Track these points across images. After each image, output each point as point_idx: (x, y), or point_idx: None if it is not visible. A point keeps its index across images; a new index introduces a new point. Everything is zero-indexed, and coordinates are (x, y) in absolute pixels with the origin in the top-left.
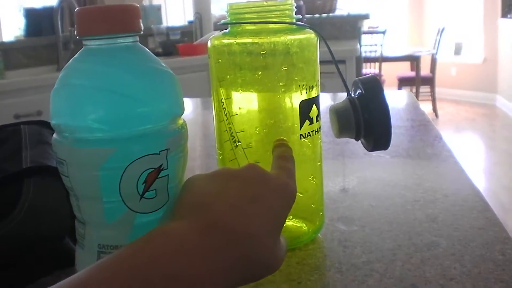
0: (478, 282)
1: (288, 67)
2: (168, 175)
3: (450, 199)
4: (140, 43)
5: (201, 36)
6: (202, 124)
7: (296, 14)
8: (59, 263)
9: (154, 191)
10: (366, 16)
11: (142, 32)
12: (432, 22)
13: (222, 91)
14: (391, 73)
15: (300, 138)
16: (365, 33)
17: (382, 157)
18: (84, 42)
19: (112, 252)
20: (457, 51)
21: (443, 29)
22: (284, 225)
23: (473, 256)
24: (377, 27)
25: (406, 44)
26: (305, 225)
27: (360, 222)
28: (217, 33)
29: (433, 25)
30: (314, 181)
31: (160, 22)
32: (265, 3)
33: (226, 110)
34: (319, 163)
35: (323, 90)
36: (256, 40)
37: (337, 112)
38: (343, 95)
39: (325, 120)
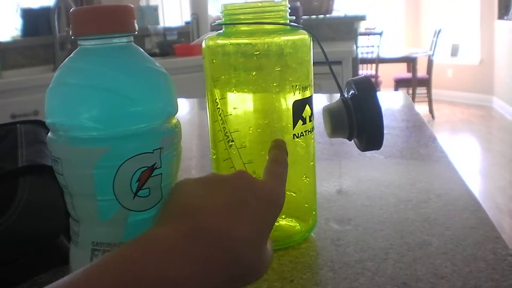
0: (468, 280)
1: (281, 68)
2: (161, 173)
3: (442, 199)
4: (137, 43)
5: (198, 36)
6: (198, 124)
7: (292, 15)
8: (55, 260)
9: (148, 189)
10: (362, 18)
11: (136, 32)
12: (428, 23)
13: (216, 91)
14: (387, 74)
15: (293, 138)
16: (361, 34)
17: (376, 158)
18: (79, 42)
19: (106, 250)
20: (454, 52)
21: (439, 31)
22: (277, 223)
23: (464, 255)
24: (374, 29)
25: (403, 46)
26: (298, 224)
27: (353, 222)
28: (213, 34)
29: (430, 26)
30: (307, 180)
31: (157, 22)
32: (259, 4)
33: (220, 110)
34: (312, 163)
35: (319, 91)
36: (250, 41)
37: (330, 112)
38: (338, 96)
39: (320, 120)
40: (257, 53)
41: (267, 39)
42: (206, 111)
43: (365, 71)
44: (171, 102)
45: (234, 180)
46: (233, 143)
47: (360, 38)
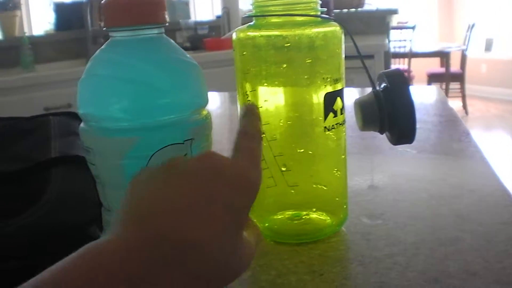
0: (501, 277)
1: (312, 60)
2: None
3: (475, 195)
4: (168, 37)
5: (229, 30)
6: (229, 117)
7: (324, 8)
8: None
9: None
10: (395, 11)
11: (167, 24)
12: (462, 17)
13: (246, 84)
14: (420, 69)
15: (324, 131)
16: (394, 28)
17: (408, 152)
18: (110, 34)
19: None
20: (488, 47)
21: (473, 25)
22: (308, 217)
23: (497, 251)
24: (406, 23)
25: (436, 40)
26: (328, 218)
27: (384, 216)
28: (245, 27)
29: (463, 20)
30: (338, 174)
31: (188, 16)
32: None
33: (251, 102)
34: (343, 156)
35: (352, 84)
36: (280, 33)
37: (362, 105)
38: (371, 90)
39: (352, 114)
40: (287, 45)
41: (298, 31)
42: (237, 104)
43: (397, 65)
44: (201, 94)
45: (198, 166)
46: (264, 135)
47: (392, 32)
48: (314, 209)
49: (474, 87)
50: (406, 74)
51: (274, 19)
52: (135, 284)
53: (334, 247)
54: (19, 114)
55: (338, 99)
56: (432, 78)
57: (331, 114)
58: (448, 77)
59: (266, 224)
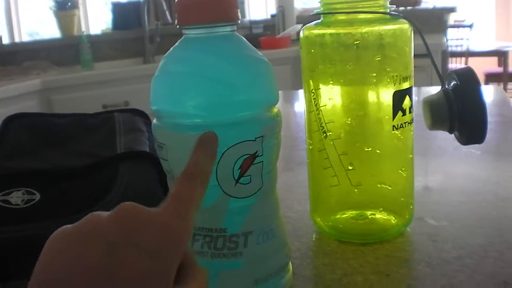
0: None
1: (381, 58)
2: (262, 161)
3: None
4: None
5: (284, 29)
6: (284, 115)
7: (392, 5)
8: None
9: (249, 176)
10: (452, 9)
11: (239, 21)
12: None
13: (312, 82)
14: (477, 68)
15: (392, 130)
16: (451, 26)
17: (472, 153)
18: (183, 31)
19: (207, 235)
20: None
21: None
22: (373, 216)
23: None
24: (463, 21)
25: (493, 39)
26: (393, 218)
27: (449, 218)
28: (300, 26)
29: None
30: (404, 173)
31: (243, 15)
32: None
33: (316, 100)
34: (410, 156)
35: None
36: (349, 30)
37: (431, 104)
38: (427, 90)
39: (416, 112)
40: (357, 42)
41: (367, 28)
42: (292, 103)
43: (454, 64)
44: (273, 91)
45: (110, 226)
46: (330, 133)
47: (449, 30)
48: (380, 209)
49: None
50: None
51: (342, 17)
52: None
53: (400, 248)
54: (78, 111)
55: (407, 97)
56: (490, 77)
57: (399, 113)
58: (506, 77)
59: (330, 223)
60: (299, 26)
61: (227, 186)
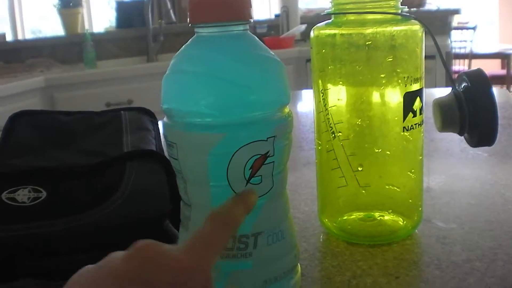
0: None
1: (392, 59)
2: (274, 162)
3: None
4: None
5: (288, 29)
6: None
7: (404, 6)
8: None
9: (260, 177)
10: (457, 11)
11: (252, 20)
12: None
13: (322, 82)
14: None
15: (402, 131)
16: (455, 28)
17: (479, 155)
18: (196, 30)
19: None
20: None
21: None
22: (382, 217)
23: None
24: (467, 23)
25: (497, 41)
26: (402, 220)
27: (458, 220)
28: (304, 26)
29: None
30: (413, 175)
31: None
32: None
33: (326, 100)
34: (420, 157)
35: None
36: (360, 31)
37: (441, 105)
38: (432, 92)
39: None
40: (368, 43)
41: (378, 29)
42: (296, 103)
43: (457, 66)
44: (285, 91)
45: (124, 266)
46: (340, 134)
47: (452, 32)
48: (390, 211)
49: None
50: None
51: (353, 17)
52: None
53: (409, 250)
54: (82, 109)
55: (418, 99)
56: (493, 80)
57: (410, 114)
58: (509, 79)
59: (338, 224)
60: (303, 26)
61: (237, 186)
